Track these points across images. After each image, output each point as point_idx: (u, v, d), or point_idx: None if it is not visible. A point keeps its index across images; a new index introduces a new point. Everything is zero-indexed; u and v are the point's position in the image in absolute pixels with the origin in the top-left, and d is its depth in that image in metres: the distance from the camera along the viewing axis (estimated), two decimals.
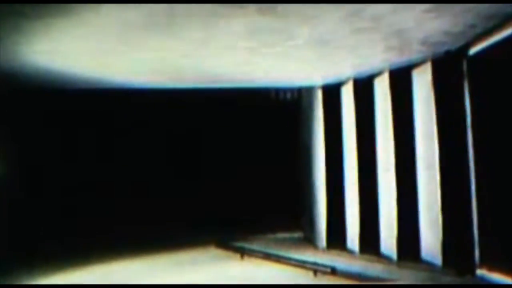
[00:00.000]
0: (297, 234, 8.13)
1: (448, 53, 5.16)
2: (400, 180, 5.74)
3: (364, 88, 6.31)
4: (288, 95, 8.26)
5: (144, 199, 8.78)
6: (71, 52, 4.90)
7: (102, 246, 7.55)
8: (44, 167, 8.27)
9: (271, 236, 8.14)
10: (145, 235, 8.46)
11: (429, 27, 4.40)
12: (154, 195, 8.84)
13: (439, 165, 5.17)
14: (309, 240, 7.48)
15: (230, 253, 6.71)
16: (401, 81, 5.80)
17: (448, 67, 5.23)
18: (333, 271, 5.21)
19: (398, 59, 5.49)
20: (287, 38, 4.58)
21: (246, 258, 6.41)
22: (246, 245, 7.19)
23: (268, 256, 6.23)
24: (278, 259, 6.03)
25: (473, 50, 4.95)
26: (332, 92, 6.73)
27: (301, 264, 5.62)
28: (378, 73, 6.07)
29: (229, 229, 8.61)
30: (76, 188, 8.45)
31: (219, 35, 4.45)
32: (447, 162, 5.18)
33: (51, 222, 8.25)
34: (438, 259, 5.20)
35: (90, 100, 8.50)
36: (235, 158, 9.10)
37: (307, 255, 6.31)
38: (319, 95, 6.80)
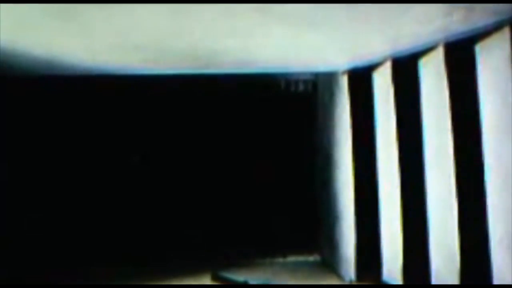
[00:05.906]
0: (312, 257, 6.65)
1: None
2: (461, 190, 4.30)
3: (405, 72, 4.89)
4: (301, 86, 6.76)
5: (127, 213, 7.26)
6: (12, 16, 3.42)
7: (73, 274, 6.04)
8: None
9: (280, 259, 6.67)
10: (127, 259, 6.96)
11: None
12: (140, 209, 7.33)
13: None
14: (330, 265, 6.00)
15: None
16: (460, 59, 4.38)
17: None
18: None
19: (459, 27, 4.06)
20: None
21: None
22: (250, 273, 5.72)
23: None
24: None
25: None
26: (361, 79, 5.29)
27: None
28: (426, 50, 4.64)
29: (230, 251, 7.13)
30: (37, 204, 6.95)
31: None
32: None
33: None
34: None
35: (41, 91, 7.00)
36: (236, 164, 7.58)
37: None
38: (344, 83, 5.35)
